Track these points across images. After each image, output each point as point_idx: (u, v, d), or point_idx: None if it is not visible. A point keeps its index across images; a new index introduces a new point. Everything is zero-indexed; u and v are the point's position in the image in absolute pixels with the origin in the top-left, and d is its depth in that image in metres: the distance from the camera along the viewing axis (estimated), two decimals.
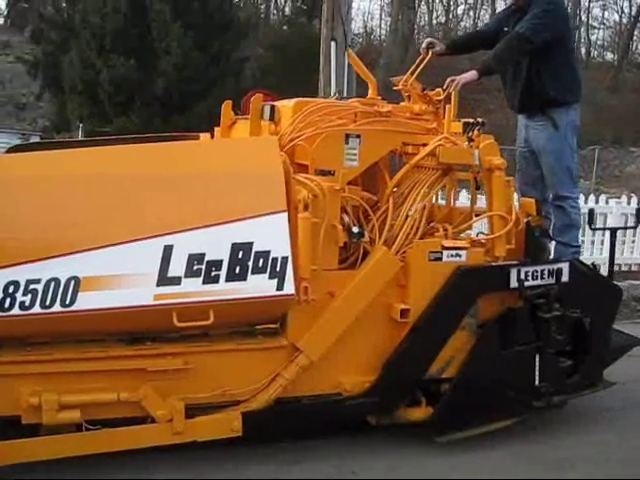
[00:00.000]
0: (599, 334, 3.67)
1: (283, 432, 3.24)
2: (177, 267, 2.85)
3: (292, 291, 2.98)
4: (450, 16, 33.04)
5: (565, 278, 3.52)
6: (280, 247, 2.98)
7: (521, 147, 4.25)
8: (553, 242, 4.09)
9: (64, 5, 28.12)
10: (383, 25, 34.32)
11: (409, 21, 25.74)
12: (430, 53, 3.94)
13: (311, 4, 27.29)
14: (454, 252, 3.30)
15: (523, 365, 3.47)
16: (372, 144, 3.35)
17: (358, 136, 3.31)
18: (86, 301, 2.77)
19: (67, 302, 2.75)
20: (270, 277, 2.96)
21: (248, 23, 24.50)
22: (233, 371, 3.08)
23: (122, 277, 2.81)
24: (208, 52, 21.66)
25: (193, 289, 2.87)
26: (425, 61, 3.89)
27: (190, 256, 2.87)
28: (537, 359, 3.48)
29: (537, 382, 3.49)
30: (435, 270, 3.27)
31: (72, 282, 2.75)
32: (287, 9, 31.52)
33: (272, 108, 3.46)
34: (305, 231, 2.99)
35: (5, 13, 37.78)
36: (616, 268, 7.66)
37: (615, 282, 4.00)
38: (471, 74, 3.73)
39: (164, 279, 2.84)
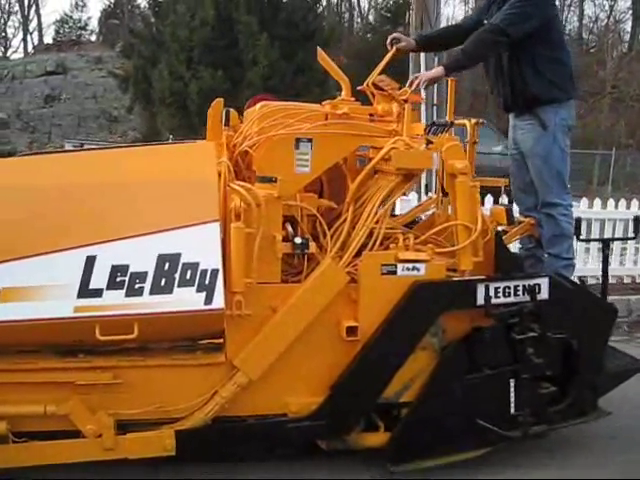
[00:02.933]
0: (588, 358, 3.28)
1: (222, 453, 3.07)
2: (99, 279, 2.76)
3: (221, 305, 2.83)
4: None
5: (544, 295, 3.17)
6: (210, 259, 2.83)
7: (511, 150, 3.88)
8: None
9: (153, 20, 29.24)
10: None
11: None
12: (394, 49, 3.68)
13: (395, 12, 27.04)
14: (410, 265, 3.04)
15: (495, 391, 3.15)
16: (326, 149, 3.14)
17: (310, 140, 3.12)
18: (6, 312, 2.72)
19: None
20: (198, 290, 2.82)
21: (333, 32, 24.56)
22: (167, 387, 2.95)
23: (42, 288, 2.74)
24: (294, 62, 21.93)
25: (115, 302, 2.77)
26: (387, 58, 3.63)
27: (113, 267, 2.77)
28: (512, 385, 3.15)
29: (512, 410, 3.17)
30: (388, 285, 3.02)
31: None
32: (371, 17, 31.41)
33: (227, 113, 3.32)
34: (237, 242, 2.83)
35: (97, 30, 39.78)
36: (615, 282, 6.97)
37: (608, 299, 3.57)
38: (437, 70, 3.44)
39: (85, 291, 2.75)
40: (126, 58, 31.60)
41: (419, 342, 3.06)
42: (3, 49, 43.75)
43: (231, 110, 3.35)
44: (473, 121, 3.93)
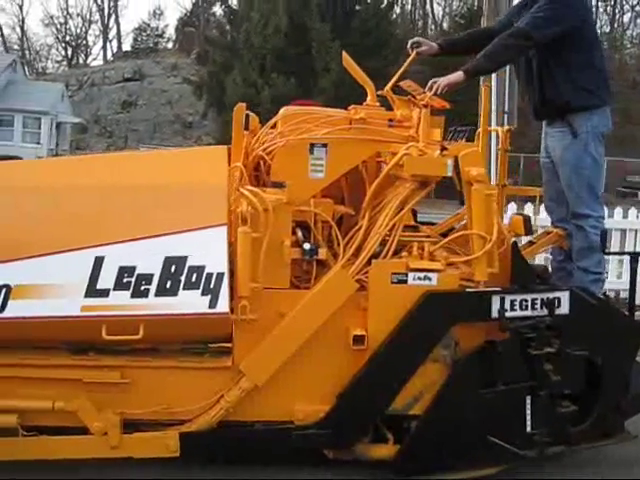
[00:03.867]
0: (613, 377, 3.12)
1: (227, 456, 3.06)
2: (107, 279, 2.81)
3: (226, 309, 2.83)
4: (615, 25, 30.73)
5: (564, 309, 3.03)
6: (216, 262, 2.84)
7: (543, 157, 3.72)
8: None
9: (228, 28, 29.80)
10: None
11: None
12: (414, 53, 3.59)
13: (469, 18, 26.66)
14: (422, 274, 2.96)
15: (509, 407, 3.03)
16: (341, 154, 3.11)
17: (324, 145, 3.09)
18: (16, 309, 2.79)
19: None
20: (203, 294, 2.83)
21: (406, 39, 24.44)
22: (174, 389, 2.97)
23: (52, 287, 2.80)
24: (366, 70, 21.96)
25: (121, 302, 2.81)
26: (408, 63, 3.55)
27: (121, 268, 2.81)
28: (528, 402, 3.03)
29: (529, 428, 3.04)
30: (398, 294, 2.95)
31: (3, 290, 2.79)
32: (445, 24, 31.08)
33: (247, 117, 3.33)
34: (244, 246, 2.82)
35: (174, 37, 40.83)
36: None
37: (634, 317, 3.37)
38: (457, 75, 3.33)
39: (92, 291, 2.80)
40: (201, 65, 32.40)
41: (429, 354, 2.97)
42: (84, 56, 45.55)
43: (251, 115, 3.35)
44: (505, 128, 3.82)
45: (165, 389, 2.97)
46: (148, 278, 2.82)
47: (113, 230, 2.84)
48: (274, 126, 3.31)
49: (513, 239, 3.10)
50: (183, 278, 2.83)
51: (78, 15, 55.02)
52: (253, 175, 3.35)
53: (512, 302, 2.98)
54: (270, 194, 2.94)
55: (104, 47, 45.87)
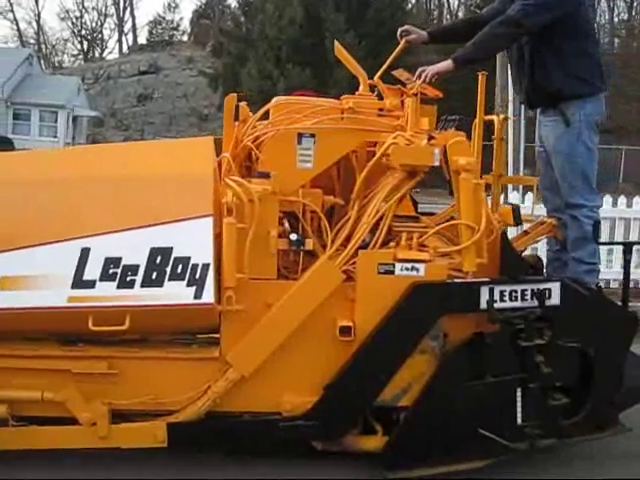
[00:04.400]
0: (606, 369, 3.08)
1: (215, 446, 3.07)
2: (93, 270, 2.81)
3: (211, 300, 2.83)
4: (633, 12, 30.30)
5: (554, 301, 2.99)
6: (202, 253, 2.84)
7: (538, 147, 3.66)
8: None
9: (243, 19, 29.75)
10: None
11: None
12: (403, 41, 3.54)
13: (484, 7, 26.38)
14: (409, 265, 2.93)
15: (499, 400, 2.99)
16: (329, 144, 3.09)
17: (312, 135, 3.07)
18: (4, 300, 2.81)
19: None
20: (188, 284, 2.83)
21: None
22: (162, 380, 2.97)
23: (38, 278, 2.82)
24: (381, 60, 21.85)
25: (107, 293, 2.82)
26: (397, 51, 3.50)
27: (107, 259, 2.82)
28: (518, 394, 3.00)
29: (519, 421, 3.01)
30: (386, 285, 2.92)
31: None
32: (460, 14, 30.79)
33: (237, 107, 3.31)
34: (229, 237, 2.81)
35: (189, 30, 40.88)
36: None
37: (628, 308, 3.31)
38: (445, 64, 3.28)
39: (79, 282, 2.81)
40: (216, 57, 32.37)
41: (417, 345, 2.95)
42: (99, 50, 45.76)
43: (241, 104, 3.34)
44: (501, 117, 3.77)
45: (153, 380, 2.97)
46: (134, 269, 2.82)
47: (99, 221, 2.84)
48: (264, 116, 3.30)
49: (502, 229, 3.05)
50: (169, 269, 2.82)
51: (93, 9, 55.49)
52: (244, 166, 3.34)
53: (501, 293, 2.94)
54: (256, 184, 2.92)
55: (119, 40, 46.20)
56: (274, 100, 3.33)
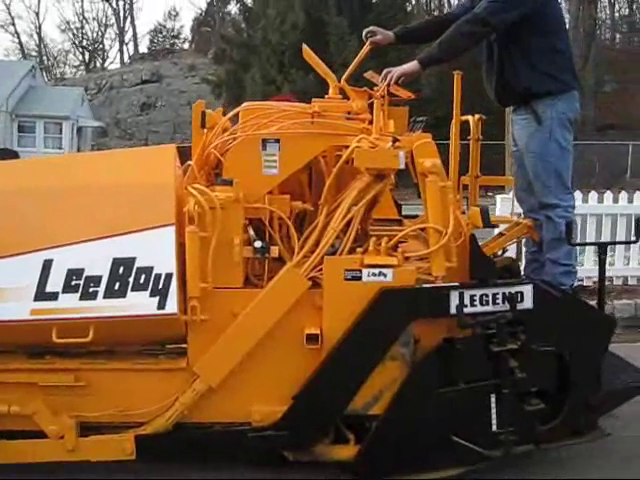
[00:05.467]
0: (582, 373, 3.02)
1: (186, 458, 3.03)
2: (55, 282, 2.78)
3: (174, 310, 2.79)
4: (634, 7, 30.11)
5: (527, 304, 2.93)
6: (164, 263, 2.80)
7: (512, 146, 3.61)
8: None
9: (244, 25, 29.79)
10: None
11: (590, 16, 23.74)
12: (368, 43, 3.50)
13: None
14: (377, 271, 2.88)
15: (473, 407, 2.93)
16: (294, 149, 3.04)
17: (277, 141, 3.03)
18: None
19: None
20: (151, 295, 2.80)
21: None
22: (130, 391, 2.93)
23: (1, 291, 2.79)
24: (384, 62, 21.80)
25: (70, 305, 2.79)
26: (362, 53, 3.46)
27: (69, 271, 2.79)
28: (492, 400, 2.94)
29: (494, 427, 2.95)
30: (353, 291, 2.87)
31: None
32: None
33: (202, 114, 3.28)
34: (192, 246, 2.78)
35: (190, 38, 41.00)
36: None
37: (616, 304, 3.25)
38: (411, 65, 3.23)
39: (42, 294, 2.78)
40: (218, 64, 32.42)
41: (387, 352, 2.89)
42: (101, 60, 45.93)
43: (208, 111, 3.30)
44: (477, 117, 3.72)
45: (120, 392, 2.93)
46: (96, 280, 2.79)
47: (61, 232, 2.81)
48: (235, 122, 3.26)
49: (472, 232, 3.00)
50: (131, 279, 2.79)
51: (94, 19, 55.48)
52: (213, 173, 3.30)
53: (472, 297, 2.89)
54: (220, 192, 2.89)
55: (121, 50, 46.32)
56: (242, 106, 3.29)
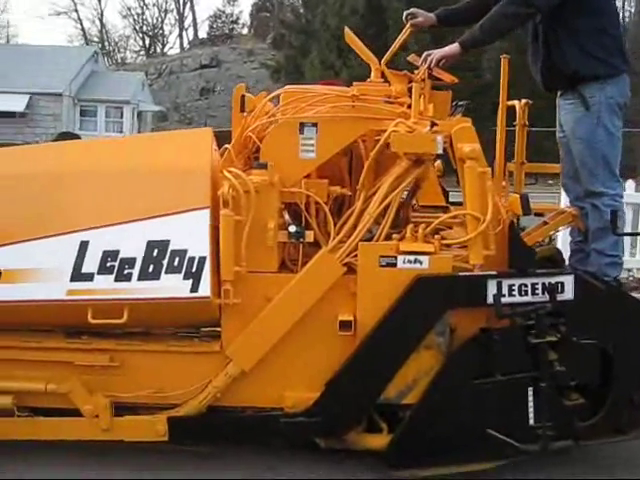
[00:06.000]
0: (626, 368, 2.89)
1: (216, 441, 3.03)
2: (91, 263, 2.82)
3: (207, 293, 2.79)
4: None
5: (568, 295, 2.82)
6: (198, 246, 2.81)
7: (558, 132, 3.45)
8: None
9: (302, 11, 29.75)
10: (627, 7, 30.92)
11: None
12: (408, 25, 3.39)
13: None
14: (412, 257, 2.82)
15: (509, 399, 2.85)
16: (332, 133, 2.99)
17: (314, 125, 2.99)
18: (5, 293, 2.84)
19: None
20: (185, 277, 2.81)
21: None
22: (163, 373, 2.96)
23: (39, 271, 2.84)
24: (446, 44, 21.48)
25: (105, 286, 2.82)
26: (403, 35, 3.36)
27: (104, 252, 2.82)
28: (530, 393, 2.85)
29: (531, 421, 2.86)
30: (388, 278, 2.81)
31: None
32: None
33: (242, 98, 3.25)
34: (226, 230, 2.77)
35: (249, 23, 41.08)
36: None
37: None
38: (452, 47, 3.12)
39: (78, 275, 2.82)
40: (277, 49, 32.50)
41: (422, 341, 2.83)
42: (161, 45, 46.54)
43: (247, 95, 3.28)
44: (523, 102, 3.60)
45: (154, 373, 2.96)
46: (131, 262, 2.81)
47: (97, 214, 2.85)
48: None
49: (512, 219, 2.90)
50: (165, 262, 2.81)
51: (154, 5, 56.53)
52: (253, 157, 3.28)
53: (510, 287, 2.79)
54: (255, 175, 2.87)
55: (180, 35, 46.75)
56: (282, 89, 3.26)
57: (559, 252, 3.51)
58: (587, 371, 2.91)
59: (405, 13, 3.47)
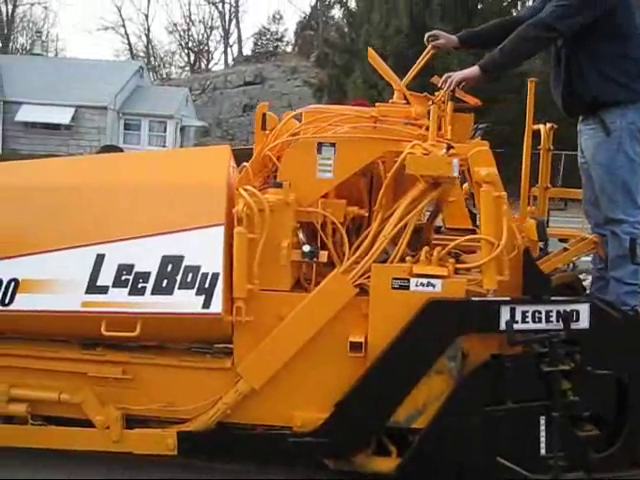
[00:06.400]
0: None
1: (224, 458, 3.04)
2: (106, 276, 2.87)
3: (219, 310, 2.82)
4: None
5: (583, 324, 2.77)
6: (212, 263, 2.84)
7: (579, 158, 3.39)
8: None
9: (347, 30, 29.89)
10: None
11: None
12: (430, 47, 3.38)
13: None
14: (425, 281, 2.80)
15: (521, 428, 2.80)
16: (350, 153, 3.00)
17: (333, 145, 3.00)
18: (23, 302, 2.91)
19: (6, 302, 2.91)
20: (197, 293, 2.83)
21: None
22: (174, 388, 2.99)
23: (56, 282, 2.90)
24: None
25: (119, 299, 2.86)
26: (424, 57, 3.35)
27: (119, 266, 2.86)
28: (542, 422, 2.79)
29: (543, 451, 2.80)
30: (400, 300, 2.80)
31: (12, 283, 2.91)
32: None
33: (263, 116, 3.29)
34: (239, 247, 2.79)
35: (293, 41, 41.43)
36: None
37: None
38: (471, 70, 3.10)
39: (93, 287, 2.87)
40: (320, 68, 32.71)
41: (432, 365, 2.80)
42: (205, 61, 47.23)
43: (268, 114, 3.31)
44: (548, 126, 3.56)
45: (166, 387, 2.99)
46: (145, 276, 2.85)
47: (114, 228, 2.89)
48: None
49: (527, 245, 2.85)
50: (179, 277, 2.84)
51: (200, 22, 57.45)
52: (272, 176, 3.30)
53: (524, 313, 2.76)
54: (271, 194, 2.89)
55: (225, 52, 47.38)
56: (305, 108, 3.29)
57: (579, 279, 3.45)
58: (602, 402, 2.85)
59: (427, 35, 3.48)
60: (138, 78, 31.25)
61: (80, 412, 3.00)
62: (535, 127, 3.54)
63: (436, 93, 3.15)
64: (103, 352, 3.02)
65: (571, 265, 3.78)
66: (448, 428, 2.80)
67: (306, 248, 2.88)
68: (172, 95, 31.95)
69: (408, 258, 2.88)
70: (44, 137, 27.86)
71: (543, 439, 2.80)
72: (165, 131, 30.45)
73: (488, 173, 2.75)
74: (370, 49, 3.41)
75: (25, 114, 27.77)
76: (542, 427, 2.80)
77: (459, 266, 2.87)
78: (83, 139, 27.85)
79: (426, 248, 2.93)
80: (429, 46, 3.46)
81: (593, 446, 2.85)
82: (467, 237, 2.96)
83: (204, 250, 2.84)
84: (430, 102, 3.13)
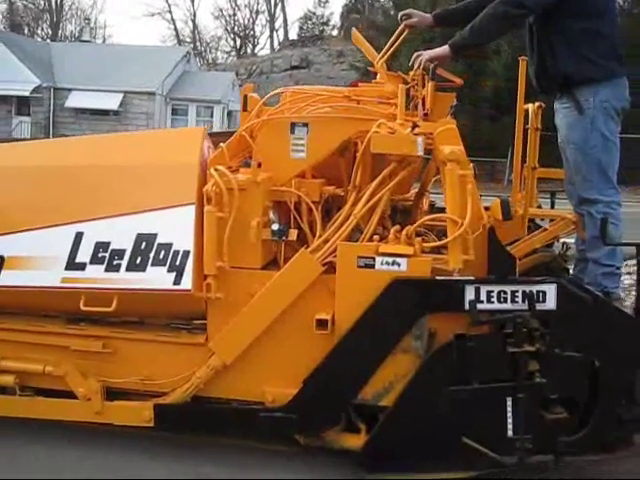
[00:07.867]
0: (612, 383, 2.78)
1: (198, 431, 3.12)
2: (84, 253, 2.97)
3: (189, 286, 2.89)
4: None
5: (550, 305, 2.73)
6: (183, 240, 2.91)
7: (559, 137, 3.32)
8: None
9: (393, 12, 29.58)
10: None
11: None
12: (402, 26, 3.34)
13: None
14: (390, 259, 2.80)
15: (487, 408, 2.79)
16: (323, 133, 3.02)
17: (305, 125, 3.02)
18: (8, 278, 3.04)
19: None
20: (169, 270, 2.92)
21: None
22: (151, 362, 3.08)
23: (38, 259, 3.02)
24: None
25: (96, 275, 2.96)
26: (396, 36, 3.31)
27: (97, 243, 2.97)
28: (509, 404, 2.78)
29: (510, 433, 2.79)
30: (365, 279, 2.81)
31: None
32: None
33: (244, 98, 3.33)
34: (209, 225, 2.85)
35: (339, 25, 41.16)
36: None
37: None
38: (442, 49, 3.05)
39: (72, 264, 2.98)
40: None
41: (397, 343, 2.82)
42: (251, 46, 47.39)
43: (250, 95, 3.35)
44: (536, 105, 3.50)
45: (144, 361, 3.08)
46: (120, 253, 2.94)
47: (92, 207, 3.00)
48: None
49: (490, 224, 2.82)
50: (152, 255, 2.92)
51: (246, 7, 58.10)
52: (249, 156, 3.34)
53: (489, 293, 2.74)
54: (243, 174, 2.93)
55: (271, 36, 47.53)
56: (280, 90, 3.33)
57: (556, 259, 3.39)
58: (571, 384, 2.81)
59: (400, 14, 3.45)
60: (185, 63, 31.65)
61: (64, 384, 3.12)
62: (524, 106, 3.49)
63: (411, 72, 3.13)
64: (85, 327, 3.13)
65: (564, 248, 3.73)
66: (413, 407, 2.82)
67: (275, 227, 2.92)
68: (219, 80, 32.27)
69: (375, 237, 2.90)
70: (93, 123, 28.53)
71: (510, 421, 2.79)
72: (212, 116, 30.81)
73: (452, 151, 2.73)
74: (355, 30, 3.41)
75: (75, 100, 28.48)
76: (509, 408, 2.79)
77: (425, 245, 2.87)
78: (131, 124, 28.40)
79: (396, 227, 2.94)
80: (402, 25, 3.43)
81: (563, 429, 2.82)
82: (431, 216, 2.95)
83: (176, 228, 2.92)
84: (402, 81, 3.12)
